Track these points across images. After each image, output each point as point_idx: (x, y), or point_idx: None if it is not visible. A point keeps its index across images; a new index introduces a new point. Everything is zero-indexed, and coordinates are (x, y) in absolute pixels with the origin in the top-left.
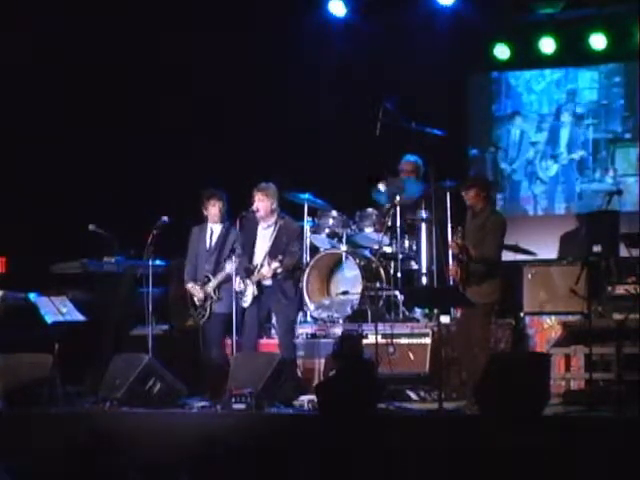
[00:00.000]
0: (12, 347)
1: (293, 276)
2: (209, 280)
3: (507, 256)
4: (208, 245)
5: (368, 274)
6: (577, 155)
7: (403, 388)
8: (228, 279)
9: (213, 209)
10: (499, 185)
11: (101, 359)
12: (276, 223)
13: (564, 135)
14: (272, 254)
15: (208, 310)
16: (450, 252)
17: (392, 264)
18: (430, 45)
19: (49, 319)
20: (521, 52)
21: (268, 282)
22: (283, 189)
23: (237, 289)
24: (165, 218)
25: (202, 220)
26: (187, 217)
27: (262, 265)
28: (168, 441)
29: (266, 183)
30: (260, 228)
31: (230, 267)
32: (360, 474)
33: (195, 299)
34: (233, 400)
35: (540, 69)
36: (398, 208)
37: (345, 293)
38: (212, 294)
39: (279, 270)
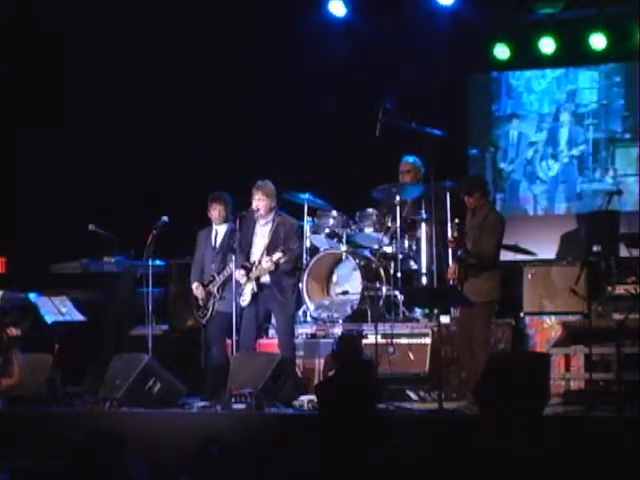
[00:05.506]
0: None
1: (293, 275)
2: (214, 279)
3: (507, 256)
4: (213, 245)
5: (368, 274)
6: (577, 152)
7: (403, 388)
8: (231, 278)
9: (214, 212)
10: (498, 185)
11: (101, 359)
12: (274, 220)
13: (563, 135)
14: (270, 250)
15: (210, 310)
16: (450, 252)
17: (392, 264)
18: (430, 45)
19: (49, 319)
20: (521, 52)
21: (267, 279)
22: (283, 189)
23: (239, 281)
24: (165, 218)
25: (204, 221)
26: (187, 217)
27: (260, 262)
28: (168, 441)
29: (263, 181)
30: (258, 225)
31: (231, 266)
32: (360, 474)
33: (199, 300)
34: (233, 400)
35: (540, 69)
36: (398, 208)
37: (345, 293)
38: (215, 293)
39: (282, 261)
